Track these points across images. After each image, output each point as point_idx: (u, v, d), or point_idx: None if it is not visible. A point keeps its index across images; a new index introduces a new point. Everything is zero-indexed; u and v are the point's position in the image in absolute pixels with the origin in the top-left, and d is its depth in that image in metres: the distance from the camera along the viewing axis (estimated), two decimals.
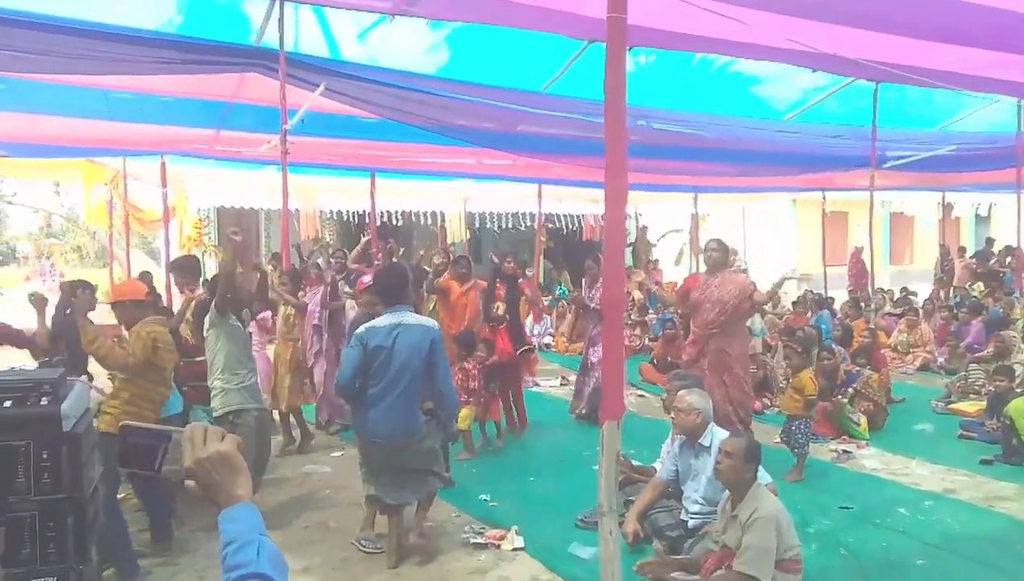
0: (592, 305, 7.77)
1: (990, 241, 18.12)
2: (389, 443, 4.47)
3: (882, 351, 9.91)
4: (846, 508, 5.30)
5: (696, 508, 4.46)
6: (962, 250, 18.45)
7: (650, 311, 13.55)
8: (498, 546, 4.71)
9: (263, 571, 1.21)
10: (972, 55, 6.31)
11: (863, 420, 7.32)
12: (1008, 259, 15.10)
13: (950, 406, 8.02)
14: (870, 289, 11.50)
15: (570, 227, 18.73)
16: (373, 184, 12.20)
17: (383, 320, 4.49)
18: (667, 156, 10.84)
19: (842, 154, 10.46)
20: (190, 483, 1.30)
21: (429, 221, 16.58)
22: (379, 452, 4.55)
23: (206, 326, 5.09)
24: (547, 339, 13.25)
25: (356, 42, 6.69)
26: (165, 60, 6.00)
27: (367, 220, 12.98)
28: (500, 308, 7.37)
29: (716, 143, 9.73)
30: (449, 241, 15.84)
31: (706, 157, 11.23)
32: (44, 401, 2.78)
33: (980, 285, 14.84)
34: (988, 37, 5.91)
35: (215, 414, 5.01)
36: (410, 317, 4.54)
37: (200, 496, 1.30)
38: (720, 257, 6.46)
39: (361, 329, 4.52)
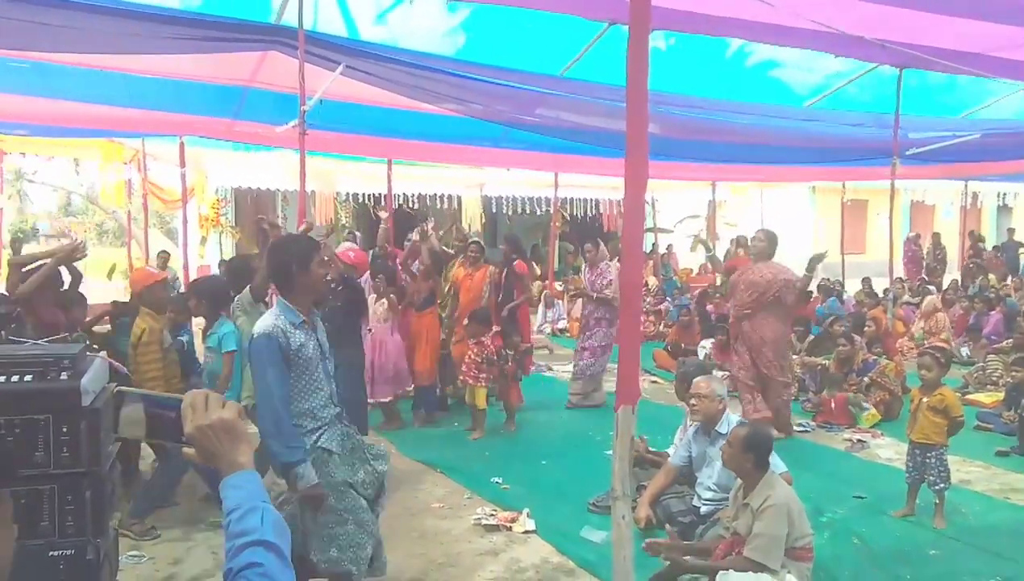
0: (595, 294, 7.82)
1: (1011, 231, 17.89)
2: None
3: (898, 341, 9.85)
4: (860, 497, 5.28)
5: (709, 495, 4.46)
6: (981, 240, 18.24)
7: (667, 298, 13.52)
8: (509, 528, 4.74)
9: (267, 538, 1.21)
10: (1005, 32, 6.13)
11: (872, 409, 7.28)
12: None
13: (967, 396, 7.96)
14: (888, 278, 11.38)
15: (588, 212, 18.66)
16: (390, 168, 12.23)
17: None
18: (685, 157, 10.83)
19: (864, 144, 10.34)
20: (189, 451, 1.29)
21: (445, 205, 16.58)
22: None
23: (236, 314, 4.85)
24: (561, 324, 13.25)
25: (374, 23, 6.67)
26: (186, 37, 6.01)
27: (383, 203, 13.00)
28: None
29: (735, 137, 9.66)
30: (465, 225, 15.85)
31: (725, 156, 11.19)
32: (64, 376, 2.80)
33: (993, 276, 14.70)
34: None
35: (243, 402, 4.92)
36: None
37: (201, 463, 1.30)
38: (765, 247, 6.65)
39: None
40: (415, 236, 7.88)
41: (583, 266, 9.22)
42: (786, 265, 6.80)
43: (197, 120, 9.21)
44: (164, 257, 12.53)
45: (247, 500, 1.24)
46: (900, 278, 12.50)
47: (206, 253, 14.91)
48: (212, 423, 1.27)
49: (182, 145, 11.17)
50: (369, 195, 15.26)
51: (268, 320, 3.27)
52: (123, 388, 1.37)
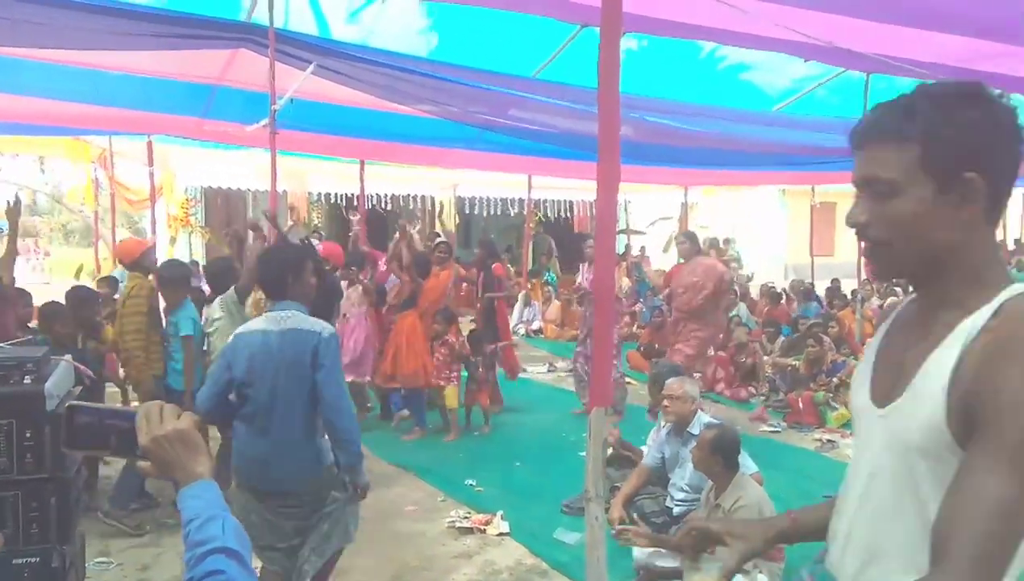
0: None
1: None
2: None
3: (866, 342, 10.00)
4: (829, 497, 5.33)
5: (681, 495, 4.49)
6: None
7: (639, 299, 13.59)
8: (483, 531, 4.74)
9: (229, 545, 1.19)
10: (968, 45, 6.28)
11: (841, 408, 7.38)
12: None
13: None
14: (855, 280, 11.56)
15: (561, 214, 18.72)
16: (362, 169, 12.15)
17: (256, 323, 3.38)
18: (657, 160, 10.92)
19: (831, 149, 10.49)
20: (145, 464, 1.27)
21: (419, 205, 16.54)
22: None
23: (217, 315, 4.81)
24: (536, 325, 13.27)
25: (347, 21, 6.63)
26: (154, 34, 5.92)
27: (356, 203, 12.92)
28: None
29: (706, 142, 9.75)
30: (438, 227, 15.84)
31: (696, 159, 11.30)
32: (27, 380, 2.74)
33: None
34: (986, 26, 5.87)
35: None
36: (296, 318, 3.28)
37: (156, 475, 1.27)
38: (688, 247, 6.75)
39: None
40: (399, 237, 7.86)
41: (580, 266, 9.15)
42: (712, 260, 6.93)
43: (165, 118, 9.07)
44: None
45: (206, 509, 1.22)
46: (867, 280, 12.70)
47: (175, 253, 14.69)
48: (167, 434, 1.24)
49: (150, 144, 11.00)
50: (342, 195, 15.17)
51: (314, 320, 3.31)
52: (74, 403, 1.33)
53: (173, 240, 14.05)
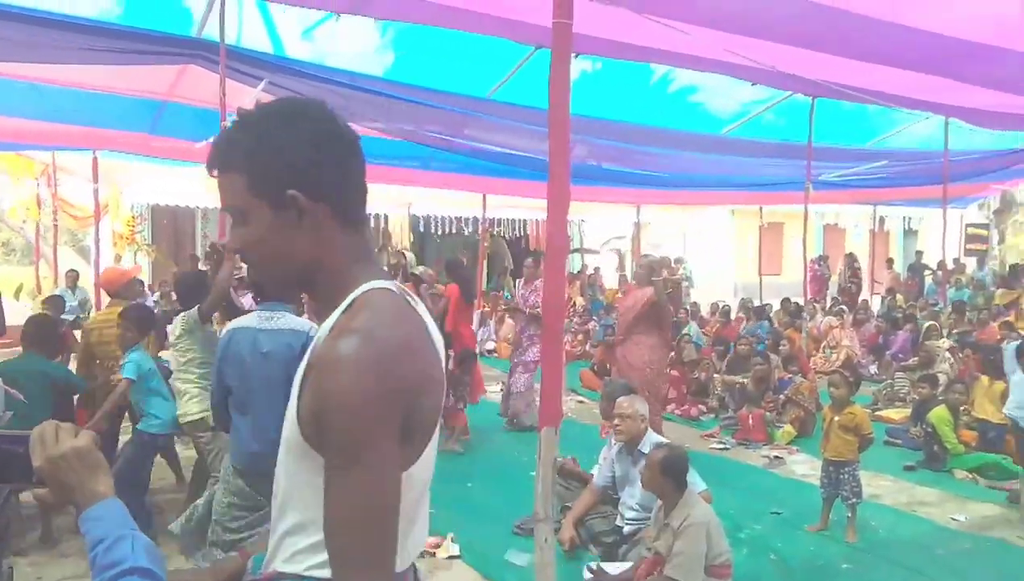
0: (528, 309, 7.86)
1: (919, 254, 18.83)
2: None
3: (811, 360, 10.23)
4: (777, 513, 5.41)
5: (632, 514, 4.51)
6: (890, 262, 19.13)
7: (592, 317, 13.68)
8: (433, 554, 4.67)
9: (141, 564, 1.15)
10: (903, 76, 6.54)
11: (788, 426, 7.51)
12: (936, 272, 15.72)
13: (877, 413, 8.27)
14: (801, 298, 11.82)
15: (516, 232, 18.81)
16: None
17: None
18: (609, 181, 11.09)
19: (779, 172, 10.77)
20: (40, 491, 1.21)
21: (372, 223, 16.45)
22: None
23: (178, 333, 4.71)
24: (489, 345, 13.24)
25: (300, 39, 6.59)
26: (102, 48, 5.81)
27: None
28: None
29: (658, 164, 9.94)
30: (393, 245, 15.77)
31: (647, 180, 11.51)
32: None
33: (900, 297, 15.43)
34: (919, 60, 6.14)
35: (189, 419, 4.70)
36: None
37: (54, 500, 1.21)
38: (642, 274, 6.84)
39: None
40: None
41: (516, 283, 9.25)
42: (648, 288, 6.98)
43: (111, 134, 8.88)
44: (72, 276, 11.84)
45: (113, 530, 1.17)
46: (813, 299, 13.00)
47: None
48: (64, 453, 1.19)
49: (95, 159, 10.73)
50: None
51: (303, 320, 3.51)
52: None
53: (118, 258, 13.72)
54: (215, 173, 1.32)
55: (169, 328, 5.01)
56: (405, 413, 1.18)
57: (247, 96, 6.44)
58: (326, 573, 1.19)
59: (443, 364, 1.38)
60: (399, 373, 1.17)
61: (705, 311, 14.09)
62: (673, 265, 15.83)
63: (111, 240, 13.60)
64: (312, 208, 1.27)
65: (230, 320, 4.82)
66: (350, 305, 1.25)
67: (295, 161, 1.26)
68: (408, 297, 1.32)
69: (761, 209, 16.94)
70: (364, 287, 1.27)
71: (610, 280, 18.85)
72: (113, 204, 13.25)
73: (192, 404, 4.70)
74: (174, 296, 6.70)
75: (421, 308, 1.34)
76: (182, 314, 4.76)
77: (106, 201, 12.49)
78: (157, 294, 12.25)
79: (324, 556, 1.20)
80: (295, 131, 1.28)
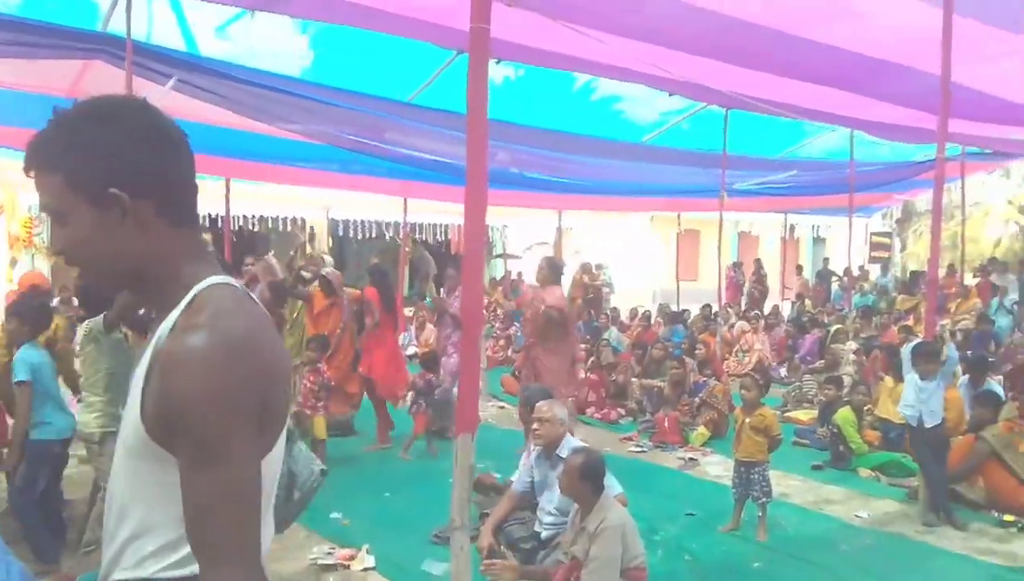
0: (453, 311, 7.80)
1: (826, 261, 19.62)
2: None
3: (724, 363, 10.52)
4: (691, 515, 5.52)
5: (550, 519, 4.51)
6: (799, 268, 19.88)
7: (515, 323, 13.71)
8: (347, 567, 4.57)
9: None
10: (812, 90, 6.80)
11: (702, 428, 7.69)
12: (842, 278, 16.41)
13: (786, 414, 8.56)
14: (716, 304, 12.14)
15: (437, 237, 18.69)
16: (228, 188, 11.66)
17: None
18: (530, 186, 11.16)
19: (696, 180, 11.05)
20: None
21: (289, 227, 16.08)
22: None
23: (81, 342, 4.49)
24: (411, 350, 13.10)
25: (215, 37, 6.37)
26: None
27: (220, 225, 12.36)
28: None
29: (579, 173, 10.04)
30: (311, 251, 15.43)
31: (569, 186, 11.63)
32: None
33: (809, 302, 16.05)
34: (826, 74, 6.39)
35: (86, 431, 4.43)
36: None
37: None
38: (545, 274, 6.83)
39: None
40: (252, 263, 7.58)
41: (439, 290, 9.16)
42: (558, 289, 6.99)
43: (7, 131, 8.37)
44: None
45: None
46: (728, 304, 13.38)
47: (15, 276, 13.57)
48: None
49: None
50: (204, 216, 14.49)
51: None
52: None
53: (14, 262, 12.98)
54: (31, 174, 1.26)
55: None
56: (260, 401, 1.17)
57: (155, 93, 6.19)
58: (178, 573, 1.17)
59: (288, 359, 1.38)
60: (251, 363, 1.16)
61: (625, 316, 14.31)
62: (595, 270, 16.07)
63: (7, 242, 12.87)
64: (135, 206, 1.23)
65: (135, 332, 4.62)
66: (191, 302, 1.22)
67: (114, 158, 1.22)
68: (248, 291, 1.31)
69: (679, 216, 17.33)
70: (204, 283, 1.25)
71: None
72: (9, 205, 12.54)
73: (92, 417, 4.45)
74: (75, 302, 6.34)
75: (260, 306, 1.33)
76: (86, 322, 4.52)
77: (1, 202, 11.81)
78: (57, 300, 11.63)
79: (175, 557, 1.18)
80: (113, 128, 1.24)
